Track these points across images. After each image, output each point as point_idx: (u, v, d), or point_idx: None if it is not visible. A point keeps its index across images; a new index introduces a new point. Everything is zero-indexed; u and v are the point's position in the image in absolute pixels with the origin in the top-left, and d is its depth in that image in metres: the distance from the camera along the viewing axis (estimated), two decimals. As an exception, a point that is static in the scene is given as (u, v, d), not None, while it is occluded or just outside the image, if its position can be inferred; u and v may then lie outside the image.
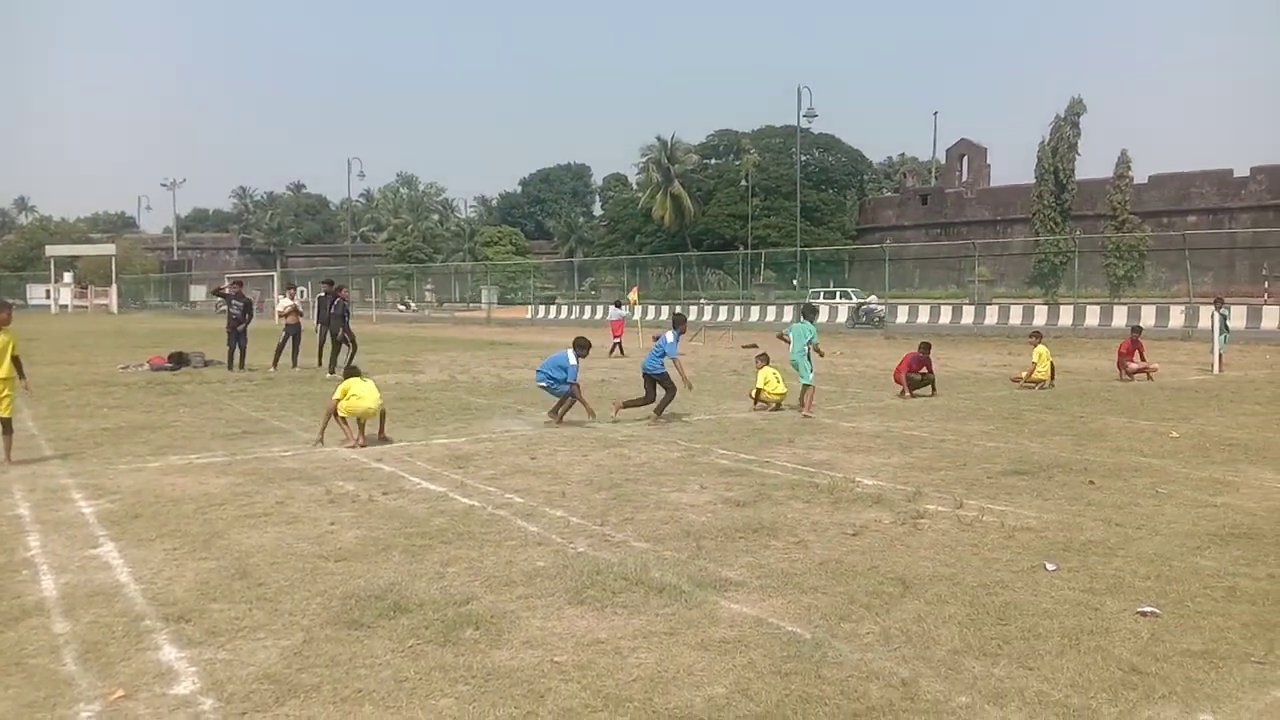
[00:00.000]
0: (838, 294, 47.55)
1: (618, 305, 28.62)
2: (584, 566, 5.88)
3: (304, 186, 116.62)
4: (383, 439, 10.75)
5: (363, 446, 10.34)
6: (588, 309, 52.91)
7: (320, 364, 19.95)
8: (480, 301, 61.57)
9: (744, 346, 25.41)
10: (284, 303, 22.71)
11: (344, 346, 19.19)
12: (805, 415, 12.76)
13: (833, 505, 7.61)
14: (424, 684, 4.17)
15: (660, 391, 12.43)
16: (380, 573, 5.82)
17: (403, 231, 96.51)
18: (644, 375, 12.64)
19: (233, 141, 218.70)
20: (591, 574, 5.71)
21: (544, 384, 12.29)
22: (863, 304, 21.73)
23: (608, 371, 19.51)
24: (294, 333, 20.88)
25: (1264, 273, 47.97)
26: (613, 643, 4.64)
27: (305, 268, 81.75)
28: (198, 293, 79.57)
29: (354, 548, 6.39)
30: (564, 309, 53.38)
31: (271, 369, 20.05)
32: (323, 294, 20.68)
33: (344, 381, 10.77)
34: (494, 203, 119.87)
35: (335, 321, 19.47)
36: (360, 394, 10.49)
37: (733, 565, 5.94)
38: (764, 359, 13.99)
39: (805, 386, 13.12)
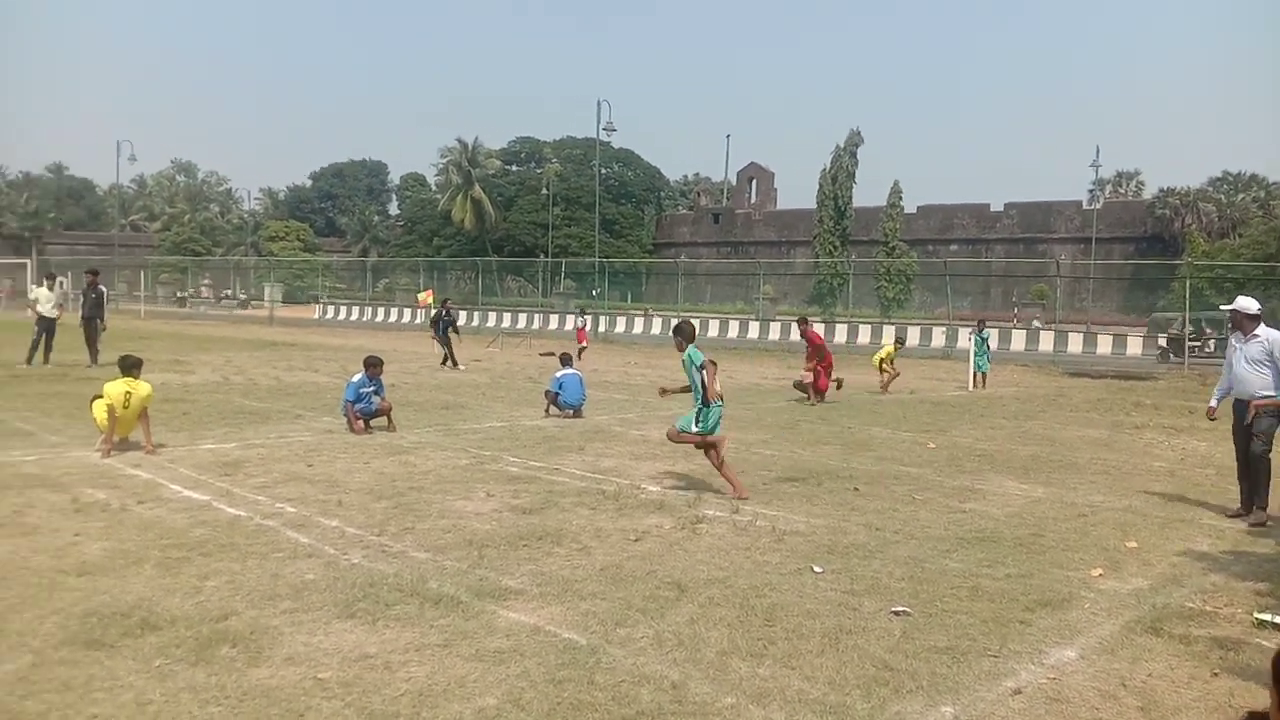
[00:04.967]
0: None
1: (582, 313, 28.58)
2: (357, 578, 5.65)
3: (66, 168, 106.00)
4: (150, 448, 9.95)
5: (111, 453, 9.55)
6: (380, 311, 51.12)
7: (94, 362, 18.62)
8: (263, 299, 58.26)
9: (542, 354, 25.39)
10: (40, 294, 20.82)
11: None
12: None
13: (617, 511, 7.70)
14: (170, 706, 3.87)
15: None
16: (128, 588, 5.37)
17: (178, 221, 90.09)
18: None
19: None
20: (365, 586, 5.50)
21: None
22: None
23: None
24: (48, 327, 19.13)
25: (1014, 299, 52.91)
26: (383, 657, 4.47)
27: (66, 256, 74.66)
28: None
29: (100, 561, 5.87)
30: (354, 310, 51.17)
31: (24, 364, 18.59)
32: (86, 285, 19.73)
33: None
34: (281, 196, 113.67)
35: (440, 327, 22.05)
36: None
37: (514, 574, 5.89)
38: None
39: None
